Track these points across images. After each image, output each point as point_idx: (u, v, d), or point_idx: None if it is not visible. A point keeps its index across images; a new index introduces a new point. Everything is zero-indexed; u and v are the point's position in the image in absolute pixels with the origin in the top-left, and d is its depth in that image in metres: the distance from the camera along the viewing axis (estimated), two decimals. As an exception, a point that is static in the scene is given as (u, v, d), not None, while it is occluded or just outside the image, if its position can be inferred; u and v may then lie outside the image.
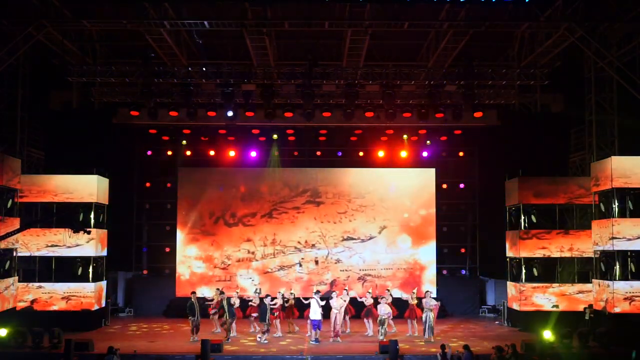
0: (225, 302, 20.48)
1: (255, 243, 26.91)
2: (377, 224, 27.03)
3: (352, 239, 27.02)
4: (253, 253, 26.88)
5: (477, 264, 27.77)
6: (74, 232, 19.50)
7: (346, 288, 22.69)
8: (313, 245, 26.91)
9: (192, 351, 18.09)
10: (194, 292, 21.06)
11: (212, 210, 27.03)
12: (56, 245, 22.45)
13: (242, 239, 26.95)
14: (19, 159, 22.31)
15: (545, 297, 22.76)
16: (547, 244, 23.06)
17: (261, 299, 20.49)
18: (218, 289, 22.34)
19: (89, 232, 19.96)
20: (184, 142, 27.02)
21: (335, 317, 20.31)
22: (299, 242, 26.94)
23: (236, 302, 20.99)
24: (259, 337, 19.90)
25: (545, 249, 23.03)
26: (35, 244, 22.33)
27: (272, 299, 20.65)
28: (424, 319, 20.21)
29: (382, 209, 27.08)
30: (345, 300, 21.04)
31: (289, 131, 27.01)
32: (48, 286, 22.43)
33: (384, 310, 20.13)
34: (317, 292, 20.99)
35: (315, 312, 20.12)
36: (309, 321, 20.72)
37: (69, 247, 22.41)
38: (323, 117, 24.31)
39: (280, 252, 26.89)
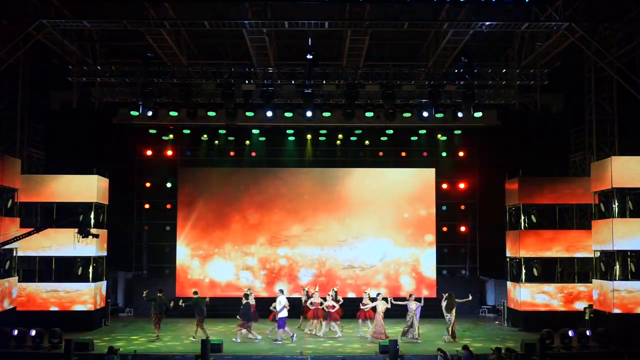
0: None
1: (255, 272, 26.89)
2: (378, 255, 26.93)
3: (353, 267, 26.95)
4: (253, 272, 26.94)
5: (477, 264, 27.77)
6: (83, 237, 19.56)
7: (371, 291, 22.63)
8: (313, 274, 26.92)
9: (192, 351, 18.10)
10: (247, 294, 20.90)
11: (211, 239, 26.97)
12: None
13: (241, 268, 26.97)
14: (19, 159, 22.32)
15: (545, 297, 22.80)
16: (547, 244, 23.06)
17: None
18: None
19: (97, 236, 20.10)
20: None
21: (378, 318, 20.23)
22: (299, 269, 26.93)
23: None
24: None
25: (545, 249, 23.03)
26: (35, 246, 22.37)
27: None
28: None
29: (384, 234, 26.92)
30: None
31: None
32: (48, 286, 22.43)
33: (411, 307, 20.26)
34: (281, 290, 21.01)
35: (283, 311, 20.14)
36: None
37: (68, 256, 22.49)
38: (323, 117, 24.30)
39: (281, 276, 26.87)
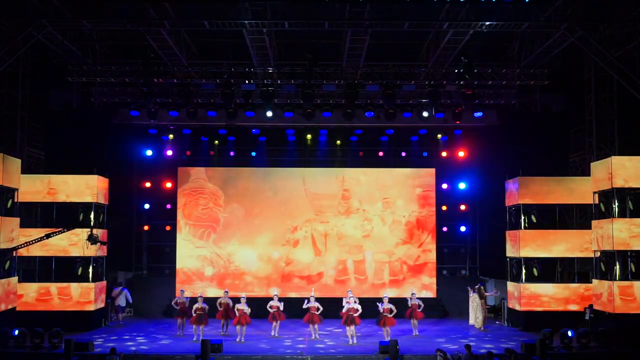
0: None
1: (255, 272, 26.85)
2: (377, 255, 26.86)
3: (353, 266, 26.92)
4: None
5: (477, 264, 27.77)
6: (92, 244, 19.61)
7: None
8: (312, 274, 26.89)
9: (192, 351, 18.10)
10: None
11: (211, 239, 26.96)
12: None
13: (241, 267, 26.94)
14: (19, 159, 22.29)
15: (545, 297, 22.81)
16: (547, 244, 23.05)
17: None
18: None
19: (105, 243, 20.18)
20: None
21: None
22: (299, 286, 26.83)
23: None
24: None
25: (545, 249, 23.03)
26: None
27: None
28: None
29: (384, 234, 26.88)
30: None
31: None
32: (48, 286, 22.38)
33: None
34: (119, 283, 22.53)
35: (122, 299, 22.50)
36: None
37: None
38: (323, 117, 24.31)
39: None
